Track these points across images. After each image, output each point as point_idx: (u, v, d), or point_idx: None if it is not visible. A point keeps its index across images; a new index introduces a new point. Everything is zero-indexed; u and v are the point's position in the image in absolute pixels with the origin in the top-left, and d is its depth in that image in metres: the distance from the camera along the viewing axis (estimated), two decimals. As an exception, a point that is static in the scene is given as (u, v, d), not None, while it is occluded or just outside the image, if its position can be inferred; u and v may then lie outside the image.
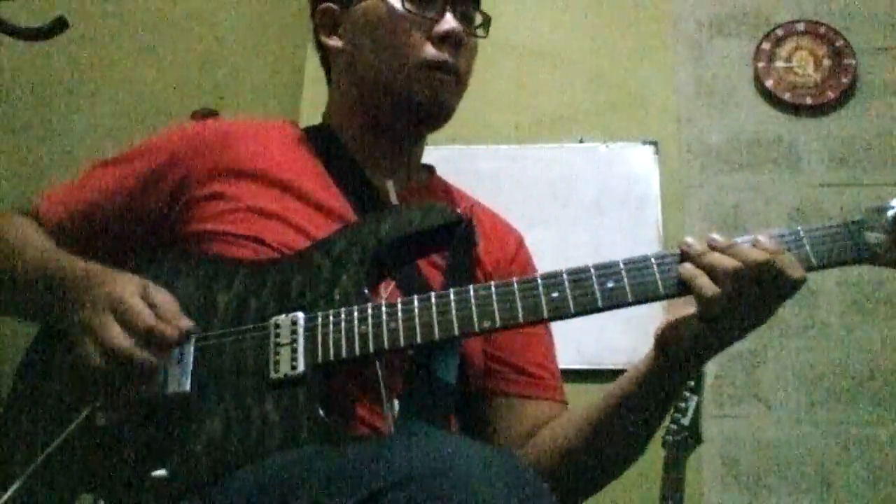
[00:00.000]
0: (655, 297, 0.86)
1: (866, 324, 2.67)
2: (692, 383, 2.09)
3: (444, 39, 1.06)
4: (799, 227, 0.87)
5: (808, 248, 0.85)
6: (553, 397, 1.10)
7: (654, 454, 2.07)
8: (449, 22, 1.07)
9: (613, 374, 2.93)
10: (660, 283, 0.85)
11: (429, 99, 1.07)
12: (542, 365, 1.12)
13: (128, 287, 0.88)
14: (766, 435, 2.62)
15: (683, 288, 0.85)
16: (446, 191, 1.20)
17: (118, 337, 0.84)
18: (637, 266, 0.86)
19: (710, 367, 2.60)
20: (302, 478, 0.71)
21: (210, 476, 0.82)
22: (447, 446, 0.66)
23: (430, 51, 1.06)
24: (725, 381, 2.66)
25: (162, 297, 0.89)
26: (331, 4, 1.14)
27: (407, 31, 1.07)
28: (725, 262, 0.82)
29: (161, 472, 0.83)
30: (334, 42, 1.14)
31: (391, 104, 1.09)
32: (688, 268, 0.85)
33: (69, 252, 1.02)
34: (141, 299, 0.87)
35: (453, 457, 0.64)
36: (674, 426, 2.03)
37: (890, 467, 2.54)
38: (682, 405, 2.06)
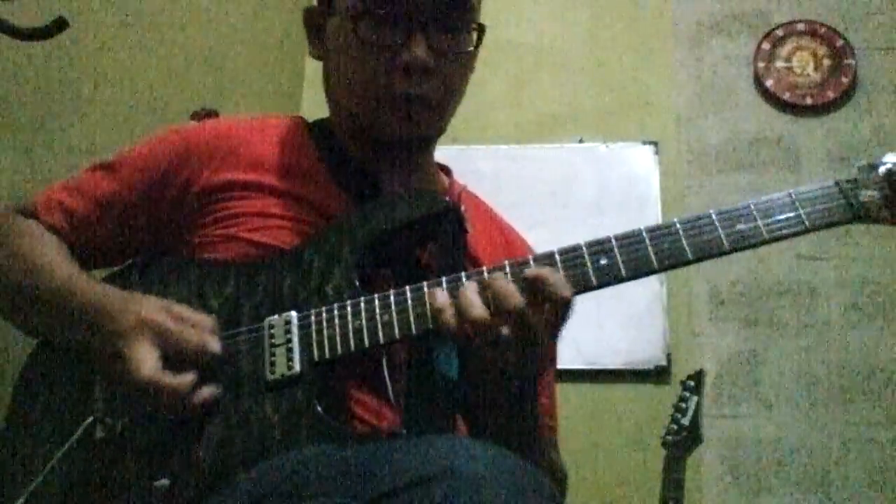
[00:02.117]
0: (650, 272, 0.84)
1: (866, 324, 2.67)
2: (692, 383, 2.09)
3: (407, 69, 0.96)
4: (789, 191, 0.85)
5: (800, 210, 0.84)
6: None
7: (655, 454, 2.08)
8: (410, 50, 0.95)
9: (613, 374, 2.95)
10: (653, 257, 0.84)
11: (399, 132, 1.00)
12: (543, 405, 1.09)
13: (154, 308, 0.88)
14: (766, 435, 2.62)
15: (675, 262, 0.84)
16: (459, 196, 1.15)
17: (154, 370, 0.83)
18: (630, 241, 0.85)
19: (710, 367, 2.61)
20: (308, 479, 0.70)
21: (212, 482, 0.81)
22: (455, 448, 0.66)
23: (393, 84, 0.96)
24: (725, 381, 2.66)
25: (186, 311, 0.89)
26: (317, 7, 1.07)
27: (368, 62, 0.97)
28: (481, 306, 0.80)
29: (163, 482, 0.83)
30: (316, 50, 1.08)
31: (364, 132, 1.04)
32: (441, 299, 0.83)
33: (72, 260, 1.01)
34: (170, 317, 0.87)
35: (461, 459, 0.64)
36: (674, 426, 2.03)
37: (890, 467, 2.54)
38: (683, 405, 2.06)
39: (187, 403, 0.84)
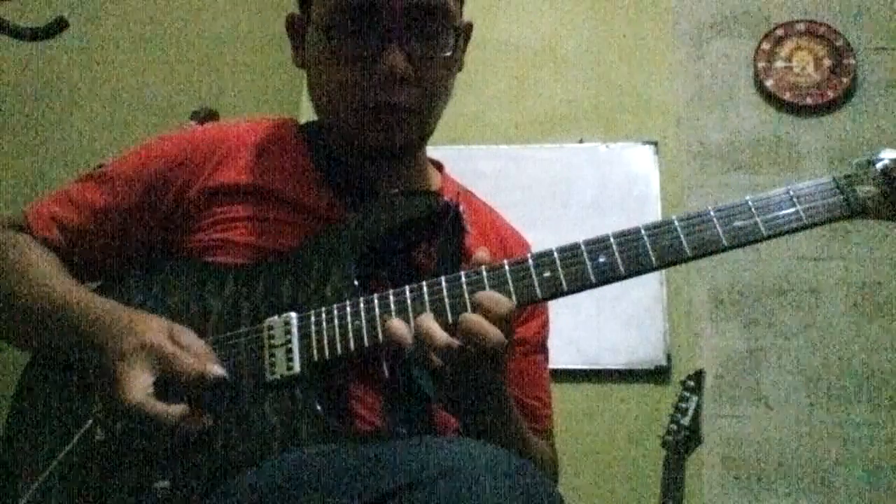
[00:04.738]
0: (648, 269, 0.84)
1: (866, 324, 2.67)
2: (692, 383, 2.09)
3: (384, 78, 0.94)
4: (787, 187, 0.85)
5: (798, 206, 0.84)
6: (542, 427, 1.10)
7: (655, 454, 2.08)
8: (386, 59, 0.94)
9: (613, 374, 2.95)
10: (652, 255, 0.84)
11: (378, 140, 0.99)
12: (539, 397, 1.10)
13: (157, 332, 0.87)
14: (766, 435, 2.62)
15: (673, 259, 0.84)
16: (453, 193, 1.14)
17: (142, 396, 0.82)
18: (628, 239, 0.85)
19: (710, 367, 2.61)
20: (308, 480, 0.70)
21: (212, 484, 0.81)
22: (456, 448, 0.66)
23: (369, 94, 0.96)
24: (725, 381, 2.66)
25: (188, 337, 0.88)
26: (298, 15, 1.06)
27: (345, 73, 0.96)
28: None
29: (163, 483, 0.83)
30: (299, 58, 1.07)
31: (345, 139, 1.03)
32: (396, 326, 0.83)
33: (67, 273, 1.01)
34: (172, 343, 0.86)
35: (462, 459, 0.64)
36: (674, 426, 2.03)
37: (890, 467, 2.54)
38: (683, 405, 2.06)
39: (175, 432, 0.83)
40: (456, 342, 0.80)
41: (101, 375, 0.88)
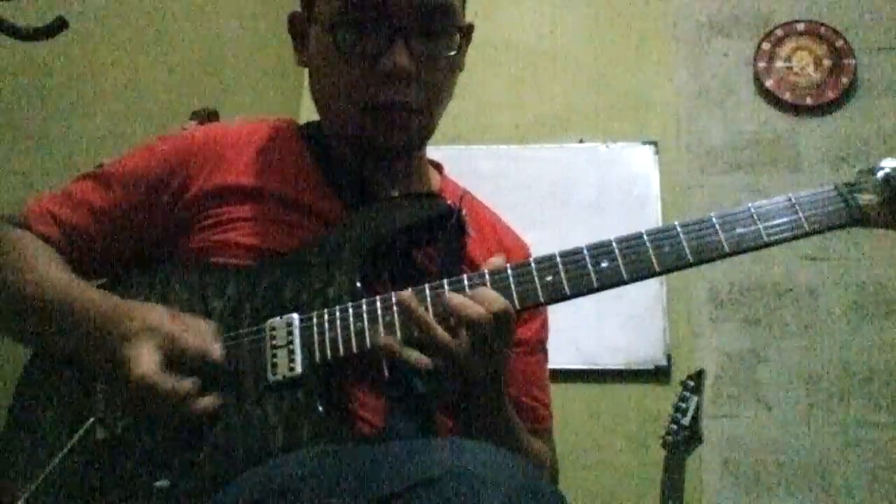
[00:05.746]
0: (651, 275, 0.85)
1: (866, 324, 2.67)
2: (692, 383, 2.09)
3: (388, 76, 0.95)
4: (789, 194, 0.86)
5: (799, 213, 0.85)
6: (543, 427, 1.10)
7: (655, 454, 2.08)
8: (391, 57, 0.94)
9: (613, 374, 2.95)
10: (654, 260, 0.85)
11: (380, 140, 0.99)
12: (538, 398, 1.11)
13: (158, 315, 0.88)
14: (766, 435, 2.62)
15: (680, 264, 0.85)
16: (453, 194, 1.14)
17: (152, 371, 0.83)
18: (631, 244, 0.85)
19: (710, 367, 2.61)
20: (309, 481, 0.70)
21: (213, 483, 0.81)
22: (458, 450, 0.66)
23: (373, 92, 0.96)
24: (725, 381, 2.66)
25: (190, 319, 0.89)
26: (301, 12, 1.06)
27: (349, 71, 0.96)
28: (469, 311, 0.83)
29: (164, 483, 0.83)
30: (301, 58, 1.07)
31: (346, 139, 1.04)
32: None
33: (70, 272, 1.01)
34: (176, 324, 0.87)
35: (464, 461, 0.64)
36: (674, 426, 2.03)
37: (890, 467, 2.54)
38: (683, 405, 2.06)
39: (186, 409, 0.83)
40: (485, 314, 0.82)
41: (106, 361, 0.88)
